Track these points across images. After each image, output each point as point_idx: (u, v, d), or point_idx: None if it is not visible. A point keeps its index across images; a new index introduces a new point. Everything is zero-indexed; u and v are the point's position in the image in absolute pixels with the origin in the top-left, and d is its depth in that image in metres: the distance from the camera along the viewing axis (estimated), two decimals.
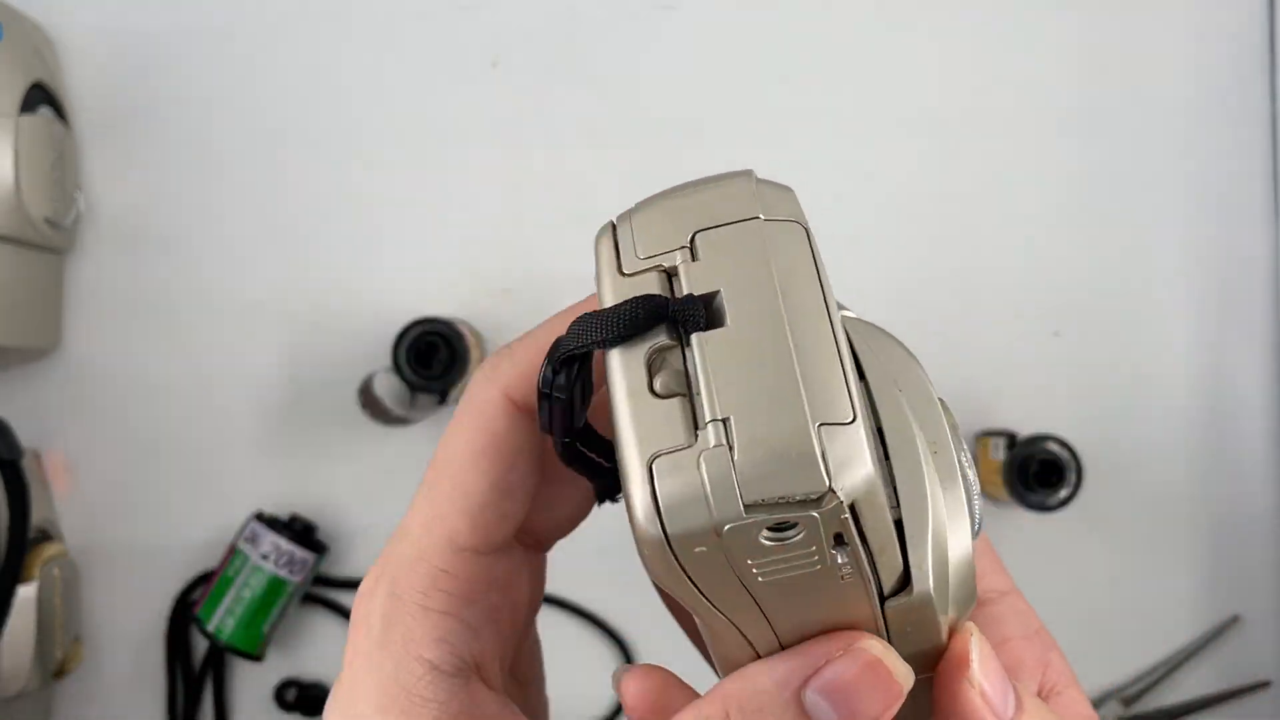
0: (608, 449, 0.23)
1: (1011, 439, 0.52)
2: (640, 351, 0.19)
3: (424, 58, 0.57)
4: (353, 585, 0.54)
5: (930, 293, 0.55)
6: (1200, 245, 0.56)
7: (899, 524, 0.20)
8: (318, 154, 0.56)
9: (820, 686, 0.21)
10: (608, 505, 0.25)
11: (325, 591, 0.55)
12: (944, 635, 0.22)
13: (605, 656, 0.55)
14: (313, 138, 0.56)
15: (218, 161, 0.56)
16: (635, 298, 0.20)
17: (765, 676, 0.22)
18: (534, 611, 0.28)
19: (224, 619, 0.52)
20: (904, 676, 0.22)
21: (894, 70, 0.57)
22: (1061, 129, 0.56)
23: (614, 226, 0.22)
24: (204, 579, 0.54)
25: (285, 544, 0.52)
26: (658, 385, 0.19)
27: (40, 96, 0.52)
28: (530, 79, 0.57)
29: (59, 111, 0.53)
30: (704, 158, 0.56)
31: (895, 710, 0.21)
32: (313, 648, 0.55)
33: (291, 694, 0.55)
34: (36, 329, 0.53)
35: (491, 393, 0.24)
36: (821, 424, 0.18)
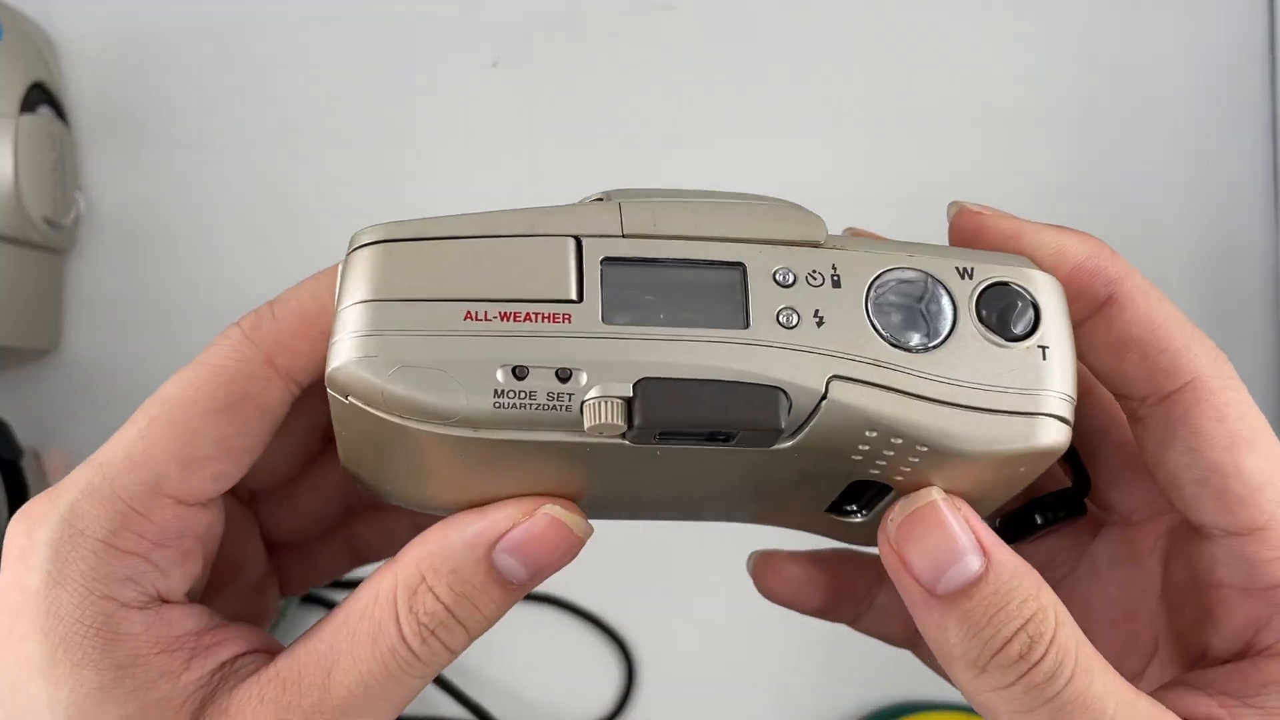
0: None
1: None
2: None
3: (424, 58, 0.57)
4: (353, 586, 0.54)
5: None
6: (1200, 245, 0.56)
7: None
8: (318, 154, 0.56)
9: (510, 547, 0.23)
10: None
11: (326, 592, 0.55)
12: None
13: (605, 656, 0.55)
14: (313, 138, 0.56)
15: (218, 161, 0.56)
16: None
17: (455, 537, 0.23)
18: (250, 555, 0.28)
19: None
20: (583, 529, 0.23)
21: (894, 70, 0.57)
22: (1060, 128, 0.56)
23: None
24: None
25: None
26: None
27: (40, 96, 0.52)
28: (530, 79, 0.57)
29: (59, 111, 0.53)
30: (706, 157, 0.56)
31: (574, 554, 0.23)
32: None
33: None
34: (36, 329, 0.53)
35: (250, 352, 0.24)
36: None
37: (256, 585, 0.30)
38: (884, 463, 0.22)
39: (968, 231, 0.25)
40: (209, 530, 0.25)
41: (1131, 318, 0.23)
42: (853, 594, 0.31)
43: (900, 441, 0.21)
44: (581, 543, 0.23)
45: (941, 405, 0.21)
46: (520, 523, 0.23)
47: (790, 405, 0.20)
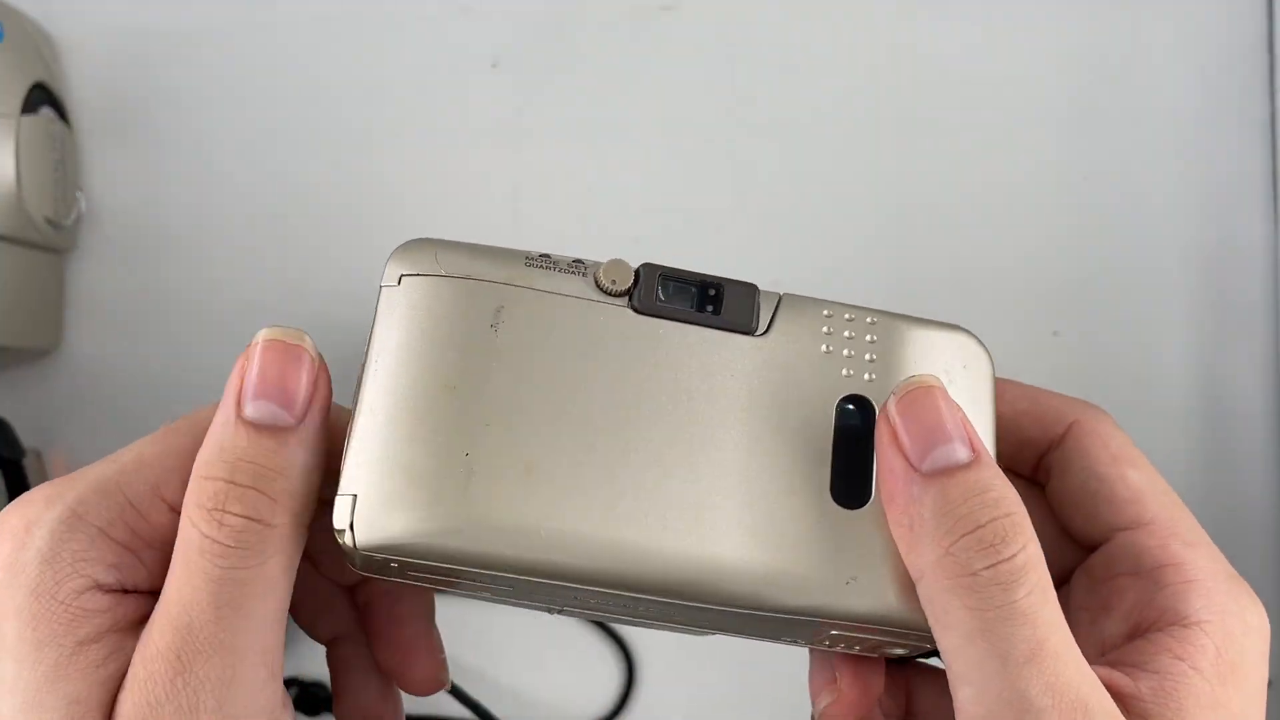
0: None
1: None
2: None
3: (424, 58, 0.57)
4: None
5: (929, 293, 0.56)
6: (1200, 245, 0.56)
7: None
8: (318, 154, 0.56)
9: (249, 394, 0.24)
10: None
11: None
12: None
13: (605, 657, 0.55)
14: (313, 138, 0.56)
15: (219, 161, 0.56)
16: None
17: (213, 423, 0.24)
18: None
19: None
20: (293, 335, 0.25)
21: (894, 71, 0.57)
22: (1060, 129, 0.56)
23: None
24: None
25: None
26: None
27: (41, 97, 0.52)
28: (530, 79, 0.57)
29: (60, 112, 0.53)
30: (706, 158, 0.56)
31: (302, 361, 0.25)
32: (313, 647, 0.55)
33: (293, 692, 0.55)
34: (37, 329, 0.53)
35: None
36: None
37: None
38: (849, 352, 0.25)
39: None
40: None
41: (1014, 394, 0.28)
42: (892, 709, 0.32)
43: (852, 319, 0.26)
44: (301, 349, 0.24)
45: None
46: (244, 369, 0.24)
47: (760, 298, 0.26)
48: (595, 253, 0.57)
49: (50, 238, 0.52)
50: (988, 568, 0.21)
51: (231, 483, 0.23)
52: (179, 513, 0.25)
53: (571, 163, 0.56)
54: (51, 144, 0.52)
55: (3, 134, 0.49)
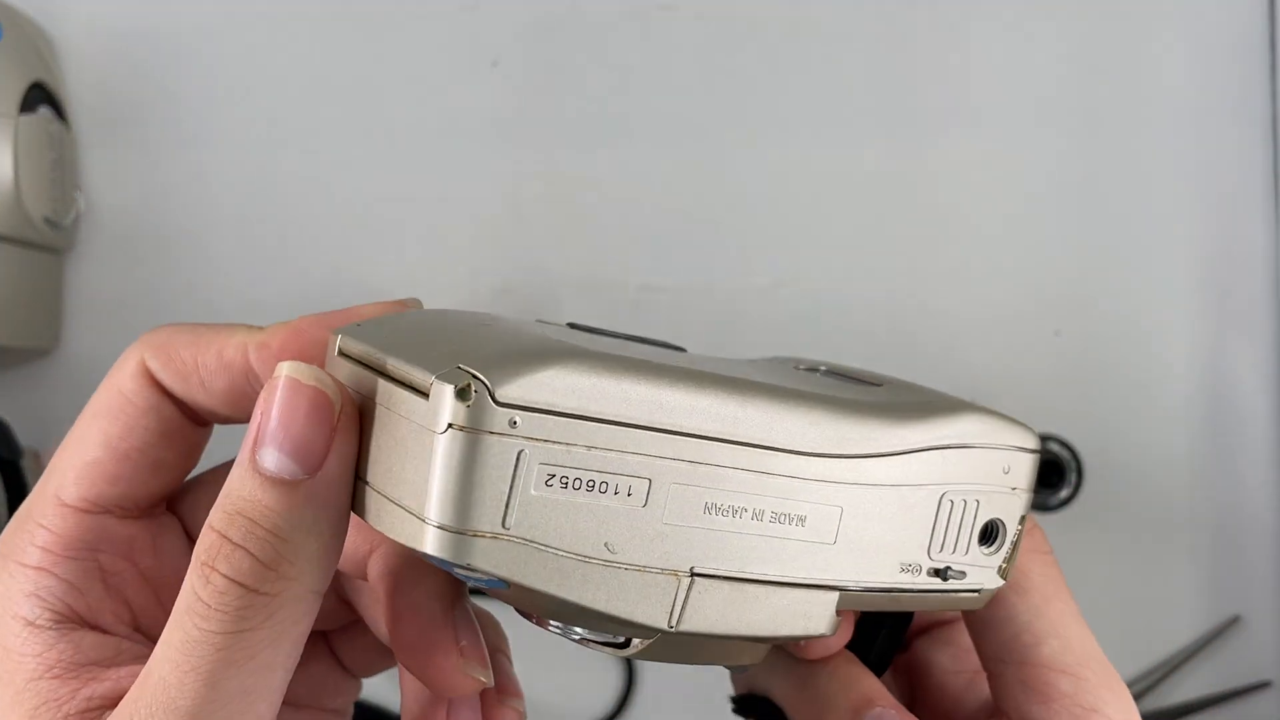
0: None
1: None
2: None
3: (424, 58, 0.57)
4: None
5: (929, 293, 0.55)
6: (1201, 245, 0.56)
7: None
8: (318, 153, 0.56)
9: (260, 440, 0.21)
10: None
11: None
12: None
13: (605, 657, 0.55)
14: (313, 137, 0.56)
15: (218, 161, 0.56)
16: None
17: (232, 472, 0.21)
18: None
19: None
20: (329, 385, 0.21)
21: (894, 70, 0.57)
22: (1061, 128, 0.56)
23: None
24: None
25: None
26: None
27: (40, 96, 0.52)
28: (530, 79, 0.57)
29: (59, 111, 0.53)
30: (705, 158, 0.56)
31: (326, 412, 0.21)
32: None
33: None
34: (36, 329, 0.53)
35: (129, 356, 0.25)
36: None
37: None
38: None
39: None
40: (141, 545, 0.25)
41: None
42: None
43: None
44: (324, 394, 0.21)
45: None
46: (265, 409, 0.21)
47: None
48: (595, 251, 0.57)
49: (48, 237, 0.52)
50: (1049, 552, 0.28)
51: (225, 538, 0.21)
52: (89, 511, 0.24)
53: (571, 162, 0.56)
54: (50, 143, 0.52)
55: (1, 134, 0.49)
